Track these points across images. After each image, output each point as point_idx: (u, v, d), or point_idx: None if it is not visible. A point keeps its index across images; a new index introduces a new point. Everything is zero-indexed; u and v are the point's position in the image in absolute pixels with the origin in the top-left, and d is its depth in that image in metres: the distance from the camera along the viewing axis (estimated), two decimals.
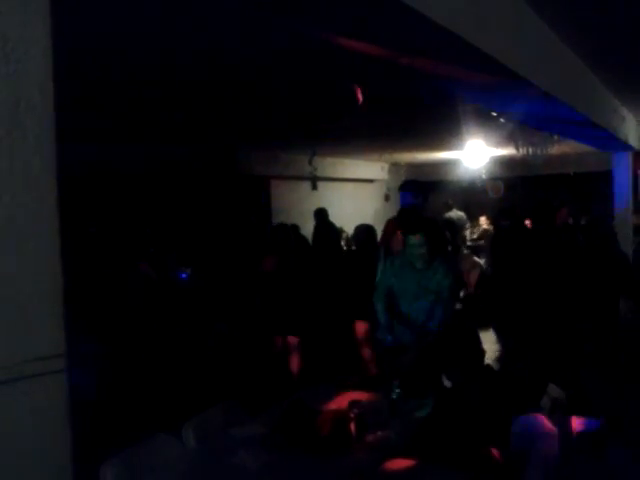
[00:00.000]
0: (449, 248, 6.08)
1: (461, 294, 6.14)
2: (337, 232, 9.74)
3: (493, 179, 11.31)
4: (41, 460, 1.15)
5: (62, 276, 1.09)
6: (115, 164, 7.59)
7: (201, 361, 5.31)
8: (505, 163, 11.22)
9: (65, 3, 1.37)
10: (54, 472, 1.17)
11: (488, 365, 3.03)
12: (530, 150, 6.05)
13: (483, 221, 11.85)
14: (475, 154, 10.11)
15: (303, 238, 8.05)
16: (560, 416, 2.48)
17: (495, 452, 2.57)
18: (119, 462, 2.98)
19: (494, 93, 4.10)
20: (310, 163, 8.00)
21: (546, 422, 2.51)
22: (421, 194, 5.53)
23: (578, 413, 2.54)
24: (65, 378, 1.18)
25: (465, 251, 8.26)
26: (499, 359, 5.50)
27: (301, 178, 10.63)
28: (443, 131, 8.09)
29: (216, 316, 6.11)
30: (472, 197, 12.83)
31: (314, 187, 9.39)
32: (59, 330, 1.12)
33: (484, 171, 10.71)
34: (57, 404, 1.17)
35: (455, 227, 8.06)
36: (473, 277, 6.61)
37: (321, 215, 9.34)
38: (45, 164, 1.06)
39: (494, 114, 5.00)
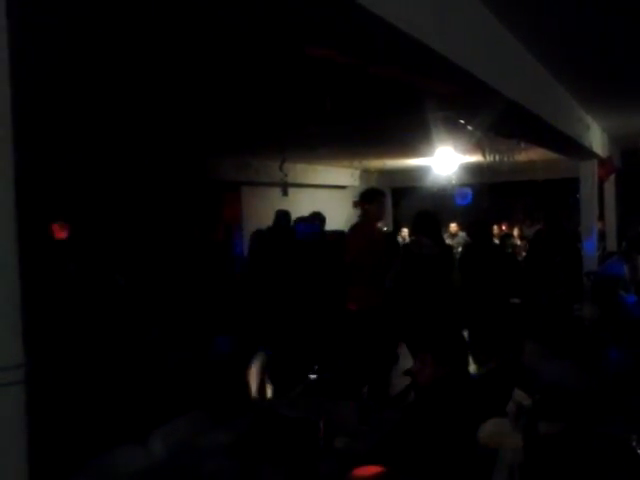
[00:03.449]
0: None
1: None
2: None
3: (461, 186, 11.45)
4: None
5: (20, 286, 1.07)
6: (80, 172, 7.48)
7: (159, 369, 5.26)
8: (474, 170, 11.36)
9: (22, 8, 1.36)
10: None
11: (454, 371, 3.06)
12: (497, 157, 6.15)
13: (453, 227, 11.99)
14: (445, 161, 10.21)
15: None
16: (525, 421, 2.51)
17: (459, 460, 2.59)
18: (84, 475, 2.93)
19: (461, 102, 4.15)
20: (281, 169, 7.99)
21: (512, 428, 2.53)
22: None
23: (543, 418, 2.57)
24: (25, 389, 1.16)
25: None
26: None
27: (272, 184, 10.62)
28: (412, 138, 8.17)
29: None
30: (443, 204, 12.97)
31: (284, 193, 9.34)
32: (18, 341, 1.10)
33: (454, 178, 10.82)
34: (17, 415, 1.15)
35: None
36: None
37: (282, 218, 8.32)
38: (2, 169, 1.05)
39: (462, 122, 5.07)
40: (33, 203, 6.14)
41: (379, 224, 6.85)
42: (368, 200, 5.57)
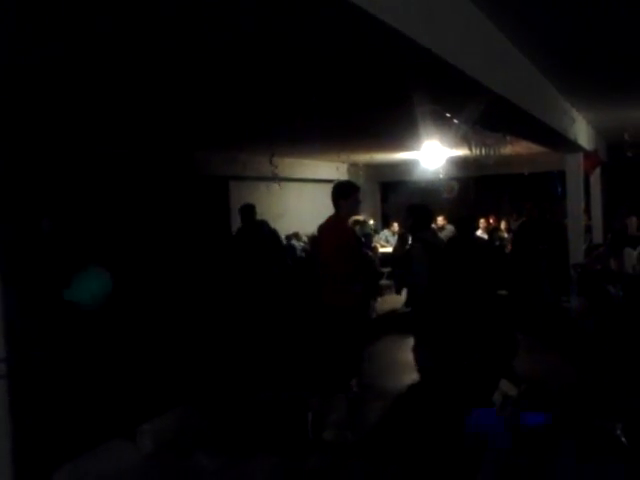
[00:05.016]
0: None
1: None
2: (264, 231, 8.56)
3: (448, 179, 11.49)
4: None
5: (2, 282, 1.06)
6: (69, 166, 7.44)
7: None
8: (461, 163, 11.39)
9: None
10: None
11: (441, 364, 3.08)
12: (483, 151, 6.16)
13: (441, 220, 12.02)
14: (432, 155, 10.23)
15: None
16: (511, 411, 2.53)
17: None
18: (73, 468, 2.93)
19: (447, 95, 4.16)
20: (271, 163, 7.98)
21: (498, 417, 2.55)
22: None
23: (529, 408, 2.59)
24: (6, 383, 1.15)
25: None
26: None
27: (259, 179, 10.60)
28: (399, 132, 8.17)
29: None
30: (430, 197, 13.01)
31: (279, 185, 9.34)
32: (0, 336, 1.10)
33: (441, 171, 10.84)
34: None
35: None
36: None
37: (247, 213, 8.30)
38: None
39: (448, 115, 5.07)
40: (22, 198, 6.12)
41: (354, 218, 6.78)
42: (344, 195, 5.16)
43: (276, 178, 8.68)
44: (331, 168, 13.30)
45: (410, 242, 6.48)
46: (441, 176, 11.14)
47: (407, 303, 7.35)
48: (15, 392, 1.16)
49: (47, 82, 4.56)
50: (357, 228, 9.52)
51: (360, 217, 10.53)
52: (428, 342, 4.71)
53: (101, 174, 7.86)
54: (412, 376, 5.15)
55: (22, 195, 6.16)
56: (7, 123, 5.09)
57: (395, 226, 12.63)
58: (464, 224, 7.12)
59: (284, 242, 10.33)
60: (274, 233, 8.51)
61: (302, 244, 10.70)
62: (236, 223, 10.11)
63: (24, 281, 4.65)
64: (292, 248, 10.31)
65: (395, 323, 8.20)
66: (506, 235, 11.46)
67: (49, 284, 5.38)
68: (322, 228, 5.36)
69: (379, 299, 9.62)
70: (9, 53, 3.19)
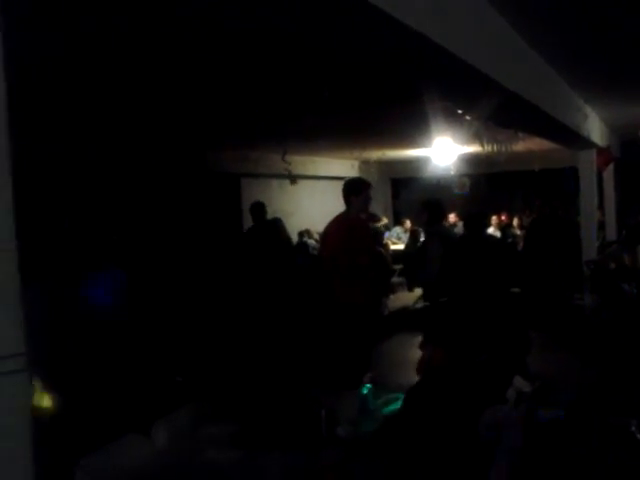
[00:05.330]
0: None
1: None
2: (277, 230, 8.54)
3: (459, 176, 11.45)
4: (1, 462, 1.13)
5: (18, 273, 1.07)
6: (84, 164, 7.49)
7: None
8: (472, 160, 11.35)
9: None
10: (15, 474, 1.16)
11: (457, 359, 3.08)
12: (495, 147, 6.14)
13: (452, 218, 11.99)
14: (443, 151, 10.20)
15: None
16: (525, 408, 2.53)
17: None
18: (89, 464, 2.95)
19: (458, 91, 4.15)
20: (283, 159, 7.98)
21: (512, 414, 2.55)
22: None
23: (543, 404, 2.59)
24: (25, 378, 1.16)
25: None
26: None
27: (271, 176, 10.61)
28: (411, 129, 8.16)
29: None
30: (442, 194, 12.97)
31: (293, 182, 9.33)
32: (17, 329, 1.11)
33: (453, 168, 10.82)
34: (18, 404, 1.15)
35: None
36: None
37: (257, 211, 8.22)
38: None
39: (460, 112, 5.06)
40: (39, 194, 6.17)
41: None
42: (355, 192, 5.14)
43: (290, 176, 8.68)
44: (343, 165, 13.28)
45: (423, 238, 6.51)
46: (452, 173, 11.11)
47: (425, 297, 7.39)
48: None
49: (62, 81, 4.59)
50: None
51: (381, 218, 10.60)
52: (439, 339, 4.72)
53: (114, 172, 7.91)
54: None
55: (39, 191, 6.21)
56: (25, 120, 5.13)
57: (407, 223, 12.60)
58: (473, 221, 7.10)
59: (296, 239, 10.35)
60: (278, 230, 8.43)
61: (313, 242, 10.71)
62: (248, 220, 10.16)
63: (43, 276, 4.70)
64: (304, 245, 10.31)
65: (407, 320, 8.20)
66: (518, 232, 11.42)
67: (67, 280, 5.43)
68: (331, 224, 5.32)
69: (391, 296, 9.61)
70: (23, 50, 3.22)
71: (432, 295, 5.98)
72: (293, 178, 9.00)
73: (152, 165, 8.42)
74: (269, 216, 8.28)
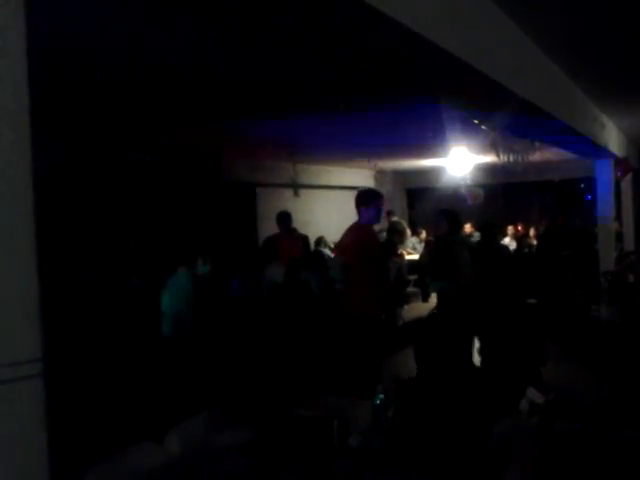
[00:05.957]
0: None
1: None
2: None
3: (473, 186, 11.41)
4: (17, 466, 1.15)
5: (39, 279, 1.09)
6: (98, 171, 7.57)
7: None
8: (488, 170, 11.31)
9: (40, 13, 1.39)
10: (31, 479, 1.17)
11: (469, 369, 3.06)
12: (511, 157, 6.12)
13: (468, 228, 11.94)
14: (459, 162, 10.18)
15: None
16: (538, 419, 2.51)
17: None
18: (102, 470, 2.97)
19: (476, 102, 4.15)
20: (293, 170, 8.07)
21: (525, 425, 2.53)
22: None
23: (556, 416, 2.57)
24: (42, 383, 1.17)
25: None
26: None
27: (286, 185, 10.65)
28: (426, 138, 8.15)
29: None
30: (457, 204, 12.92)
31: (295, 193, 9.39)
32: (35, 334, 1.12)
33: (468, 178, 10.78)
34: (34, 409, 1.16)
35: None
36: None
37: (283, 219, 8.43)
38: (21, 168, 1.07)
39: (476, 122, 5.05)
40: (51, 201, 6.24)
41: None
42: (364, 203, 5.14)
43: (294, 185, 8.75)
44: (357, 175, 13.28)
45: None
46: (468, 182, 11.07)
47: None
48: (49, 392, 1.19)
49: (77, 90, 4.65)
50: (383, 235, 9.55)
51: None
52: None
53: (130, 180, 7.98)
54: None
55: (58, 198, 6.28)
56: (47, 127, 5.20)
57: (423, 234, 12.55)
58: (484, 231, 7.19)
59: (312, 248, 10.36)
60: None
61: (328, 250, 10.71)
62: (262, 229, 10.19)
63: (61, 282, 4.76)
64: (320, 254, 10.32)
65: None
66: (535, 242, 11.34)
67: (84, 287, 5.48)
68: (343, 234, 5.33)
69: (405, 307, 9.57)
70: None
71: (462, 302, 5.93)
72: (297, 188, 9.05)
73: (170, 174, 8.50)
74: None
